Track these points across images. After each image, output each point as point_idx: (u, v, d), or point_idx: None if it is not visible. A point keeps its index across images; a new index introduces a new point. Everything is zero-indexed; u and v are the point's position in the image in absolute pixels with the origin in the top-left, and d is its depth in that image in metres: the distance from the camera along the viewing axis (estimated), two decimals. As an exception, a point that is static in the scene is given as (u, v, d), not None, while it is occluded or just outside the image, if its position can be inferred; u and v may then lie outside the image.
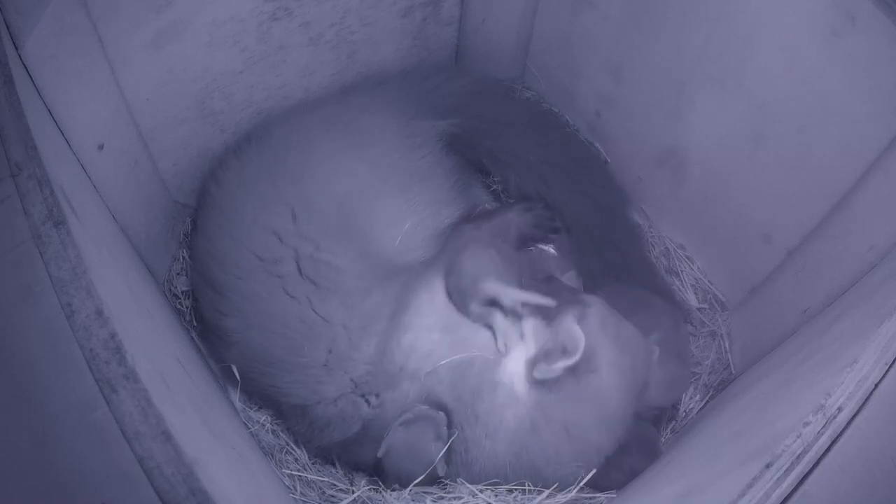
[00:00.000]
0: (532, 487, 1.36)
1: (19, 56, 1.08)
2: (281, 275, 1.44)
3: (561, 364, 1.31)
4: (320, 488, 1.42)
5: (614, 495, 1.41)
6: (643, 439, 1.46)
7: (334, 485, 1.43)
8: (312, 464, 1.48)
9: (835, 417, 0.88)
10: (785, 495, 0.84)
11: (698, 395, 1.63)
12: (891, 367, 0.92)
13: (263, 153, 1.58)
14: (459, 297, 1.44)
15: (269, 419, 1.51)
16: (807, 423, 0.89)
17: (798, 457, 0.86)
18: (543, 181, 1.77)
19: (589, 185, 1.79)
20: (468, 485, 1.36)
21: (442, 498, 1.37)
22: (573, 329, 1.31)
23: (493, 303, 1.41)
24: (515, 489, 1.36)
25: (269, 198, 1.51)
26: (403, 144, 1.66)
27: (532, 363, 1.36)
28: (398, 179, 1.61)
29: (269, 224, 1.48)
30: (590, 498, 1.41)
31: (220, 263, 1.48)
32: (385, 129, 1.67)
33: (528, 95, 2.04)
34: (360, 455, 1.43)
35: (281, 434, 1.49)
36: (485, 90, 1.86)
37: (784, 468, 0.86)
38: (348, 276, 1.45)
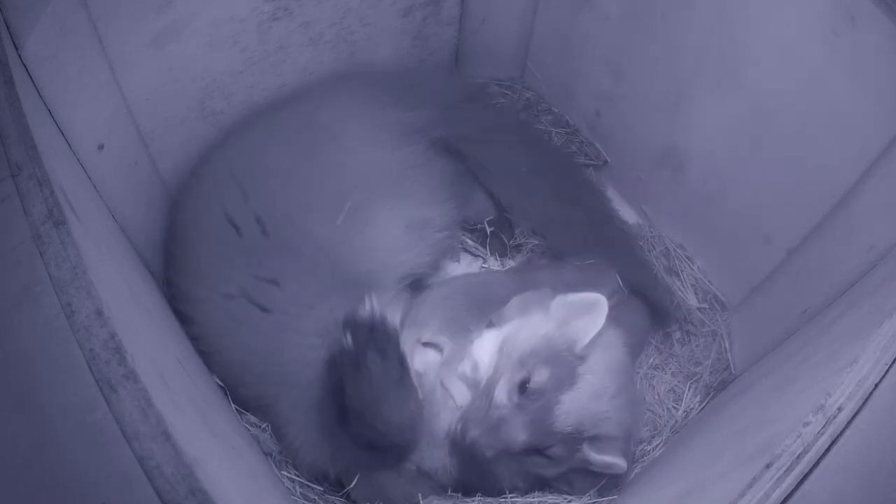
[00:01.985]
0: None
1: (19, 56, 1.08)
2: (232, 295, 1.39)
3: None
4: (320, 489, 1.42)
5: (615, 497, 1.41)
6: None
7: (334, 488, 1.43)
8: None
9: (835, 417, 0.88)
10: (785, 495, 0.84)
11: (698, 396, 1.63)
12: (891, 367, 0.92)
13: (210, 179, 1.50)
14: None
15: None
16: (807, 423, 0.89)
17: (798, 457, 0.86)
18: (528, 193, 1.73)
19: (575, 193, 1.77)
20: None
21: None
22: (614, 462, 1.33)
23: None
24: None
25: (218, 221, 1.44)
26: (371, 138, 1.56)
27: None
28: (360, 177, 1.50)
29: (221, 252, 1.42)
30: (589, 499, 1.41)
31: (187, 290, 1.44)
32: (346, 123, 1.56)
33: (528, 96, 2.04)
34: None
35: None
36: (470, 94, 1.82)
37: (784, 468, 0.86)
38: (298, 294, 1.40)
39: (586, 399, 1.31)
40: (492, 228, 1.78)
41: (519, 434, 1.27)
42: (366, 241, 1.46)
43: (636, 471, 1.49)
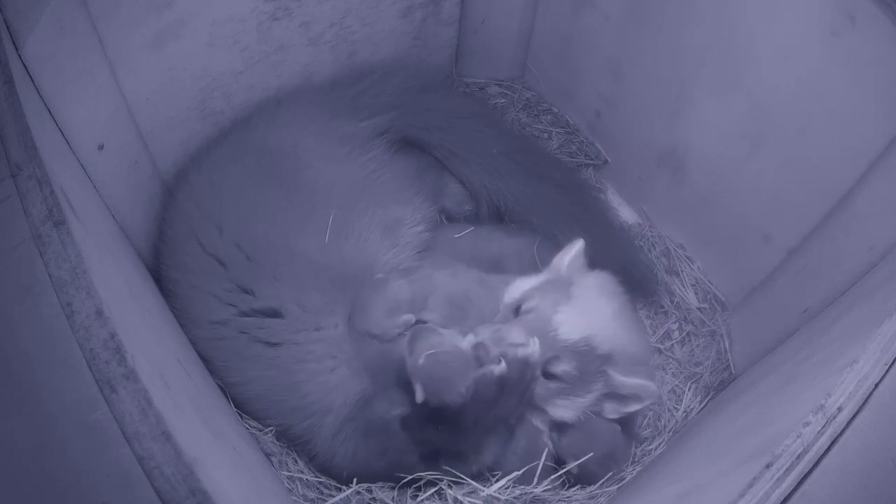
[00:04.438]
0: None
1: (19, 56, 1.08)
2: (227, 336, 1.40)
3: (634, 408, 1.38)
4: (319, 489, 1.42)
5: (615, 494, 1.41)
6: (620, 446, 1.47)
7: (334, 486, 1.43)
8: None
9: (835, 417, 0.88)
10: (785, 495, 0.84)
11: (699, 396, 1.63)
12: (891, 367, 0.92)
13: (182, 211, 1.49)
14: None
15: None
16: (807, 423, 0.89)
17: (798, 457, 0.86)
18: (501, 174, 1.73)
19: (548, 170, 1.78)
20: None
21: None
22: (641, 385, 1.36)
23: None
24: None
25: (199, 258, 1.43)
26: (327, 153, 1.57)
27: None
28: (325, 192, 1.51)
29: (207, 287, 1.42)
30: (592, 497, 1.41)
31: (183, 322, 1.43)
32: (298, 142, 1.57)
33: (528, 96, 2.04)
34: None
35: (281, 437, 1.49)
36: (429, 84, 1.82)
37: (784, 468, 0.86)
38: (301, 318, 1.40)
39: (585, 312, 1.36)
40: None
41: (518, 338, 1.29)
42: (351, 250, 1.48)
43: (637, 470, 1.49)
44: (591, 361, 1.34)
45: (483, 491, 1.33)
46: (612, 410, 1.39)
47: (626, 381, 1.35)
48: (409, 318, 1.40)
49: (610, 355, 1.36)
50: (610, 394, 1.37)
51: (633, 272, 1.71)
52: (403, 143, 1.74)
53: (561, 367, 1.34)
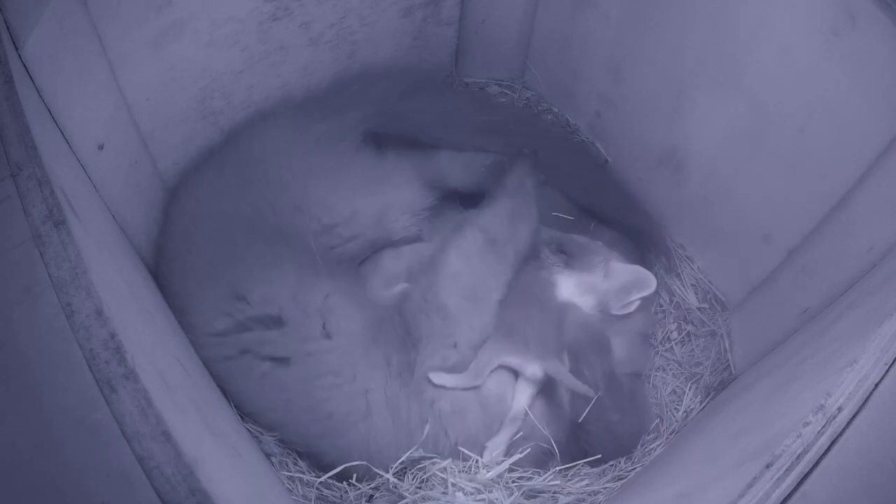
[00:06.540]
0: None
1: (19, 56, 1.08)
2: (230, 355, 1.40)
3: (636, 295, 1.58)
4: (319, 489, 1.42)
5: (617, 490, 1.41)
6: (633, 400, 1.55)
7: (334, 485, 1.43)
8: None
9: (835, 417, 0.88)
10: (785, 495, 0.84)
11: (699, 396, 1.63)
12: (891, 367, 0.92)
13: (177, 225, 1.52)
14: None
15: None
16: (807, 423, 0.89)
17: (798, 457, 0.86)
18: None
19: (565, 151, 1.84)
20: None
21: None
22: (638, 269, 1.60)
23: None
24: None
25: (196, 267, 1.45)
26: (308, 152, 1.61)
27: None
28: (315, 192, 1.57)
29: (203, 294, 1.43)
30: (591, 494, 1.41)
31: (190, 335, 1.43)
32: (279, 152, 1.60)
33: (528, 96, 2.04)
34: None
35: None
36: (413, 86, 1.83)
37: (784, 468, 0.86)
38: (298, 318, 1.42)
39: None
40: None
41: None
42: (349, 231, 1.56)
43: (636, 470, 1.49)
44: (590, 247, 1.63)
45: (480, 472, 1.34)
46: (617, 305, 1.57)
47: (625, 266, 1.60)
48: (405, 286, 1.49)
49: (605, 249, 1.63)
50: (612, 290, 1.57)
51: (640, 230, 1.78)
52: (394, 139, 1.75)
53: (564, 245, 1.63)
